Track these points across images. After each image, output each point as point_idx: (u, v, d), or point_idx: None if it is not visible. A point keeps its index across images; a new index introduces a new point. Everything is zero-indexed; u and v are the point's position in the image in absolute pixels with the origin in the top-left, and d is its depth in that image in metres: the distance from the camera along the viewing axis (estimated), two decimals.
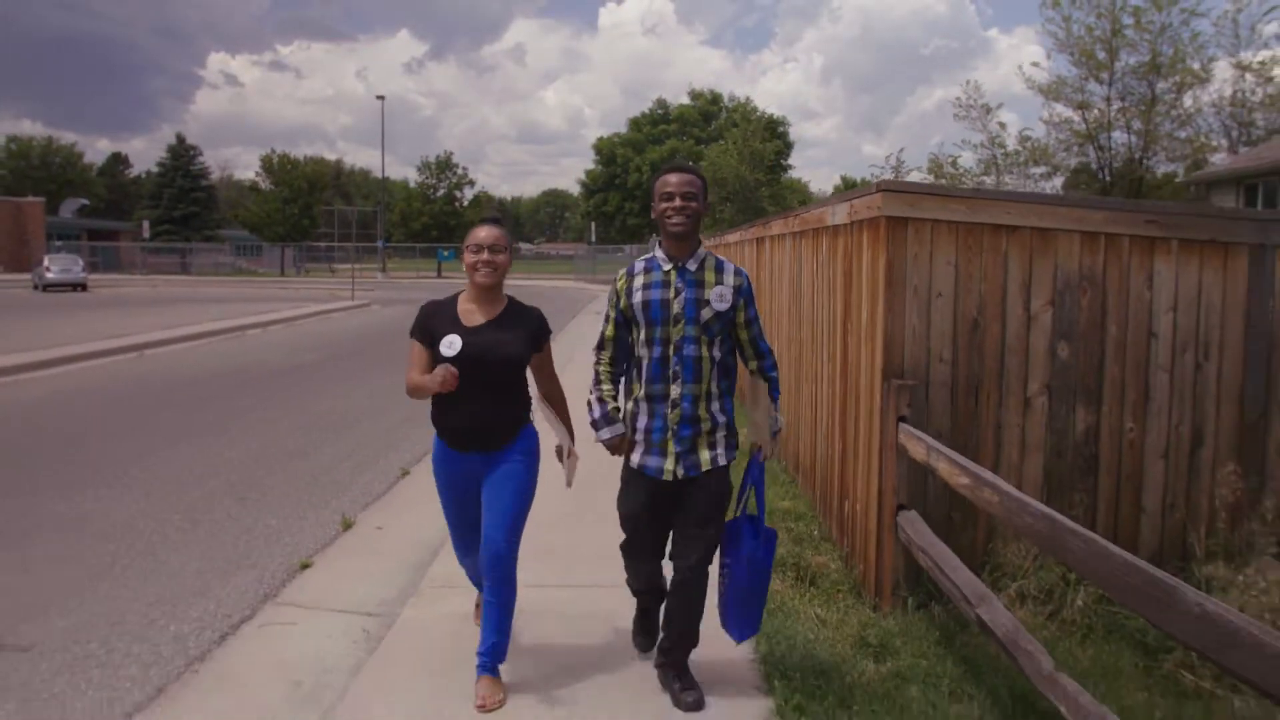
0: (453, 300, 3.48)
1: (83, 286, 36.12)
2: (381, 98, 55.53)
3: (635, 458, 3.31)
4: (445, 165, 66.61)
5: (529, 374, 3.50)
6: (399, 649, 3.83)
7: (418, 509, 5.74)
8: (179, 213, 63.57)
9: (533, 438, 3.48)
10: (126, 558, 5.08)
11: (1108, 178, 24.67)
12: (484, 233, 3.43)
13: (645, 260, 3.35)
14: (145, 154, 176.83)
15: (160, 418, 9.33)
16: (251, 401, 10.38)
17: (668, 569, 3.40)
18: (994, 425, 4.24)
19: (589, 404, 3.39)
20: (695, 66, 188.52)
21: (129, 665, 3.78)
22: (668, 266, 3.26)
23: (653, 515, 3.32)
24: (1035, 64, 27.86)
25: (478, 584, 3.76)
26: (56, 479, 6.73)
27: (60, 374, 12.50)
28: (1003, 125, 27.98)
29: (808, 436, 5.95)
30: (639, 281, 3.29)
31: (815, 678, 3.41)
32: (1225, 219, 4.30)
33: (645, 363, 3.28)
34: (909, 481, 4.04)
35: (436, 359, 3.33)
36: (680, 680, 3.32)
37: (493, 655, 3.39)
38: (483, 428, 3.37)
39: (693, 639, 3.37)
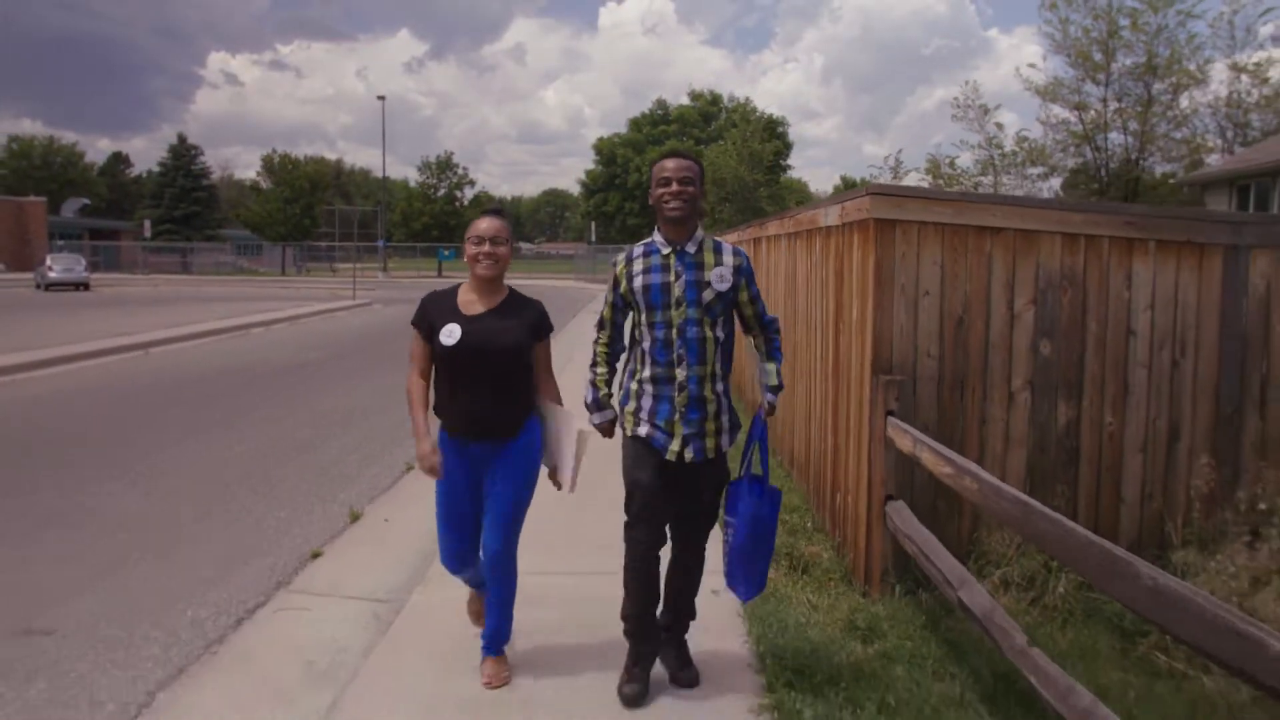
0: (453, 291, 3.51)
1: (85, 286, 36.30)
2: (382, 98, 55.73)
3: (642, 430, 3.32)
4: (446, 165, 66.72)
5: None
6: (408, 632, 4.00)
7: (423, 501, 5.87)
8: (180, 212, 63.77)
9: (536, 431, 3.53)
10: (142, 548, 5.25)
11: (1105, 178, 24.84)
12: (485, 224, 3.45)
13: (644, 245, 3.38)
14: (146, 153, 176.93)
15: (168, 415, 9.50)
16: (257, 399, 10.56)
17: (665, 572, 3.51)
18: (979, 419, 4.42)
19: (590, 383, 3.49)
20: (695, 66, 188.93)
21: (150, 647, 3.95)
22: (666, 250, 3.29)
23: (662, 485, 3.31)
24: (1032, 65, 28.08)
25: (472, 583, 3.79)
26: (69, 473, 6.90)
27: (68, 372, 12.67)
28: (1000, 126, 28.16)
29: (802, 431, 6.12)
30: (638, 266, 3.32)
31: (806, 657, 3.58)
32: (1200, 221, 4.47)
33: (648, 346, 3.30)
34: (897, 473, 4.21)
35: (437, 349, 3.41)
36: (677, 658, 3.50)
37: (496, 638, 3.56)
38: (484, 418, 3.39)
39: (691, 613, 3.55)
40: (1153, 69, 22.93)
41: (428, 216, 64.51)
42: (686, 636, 3.59)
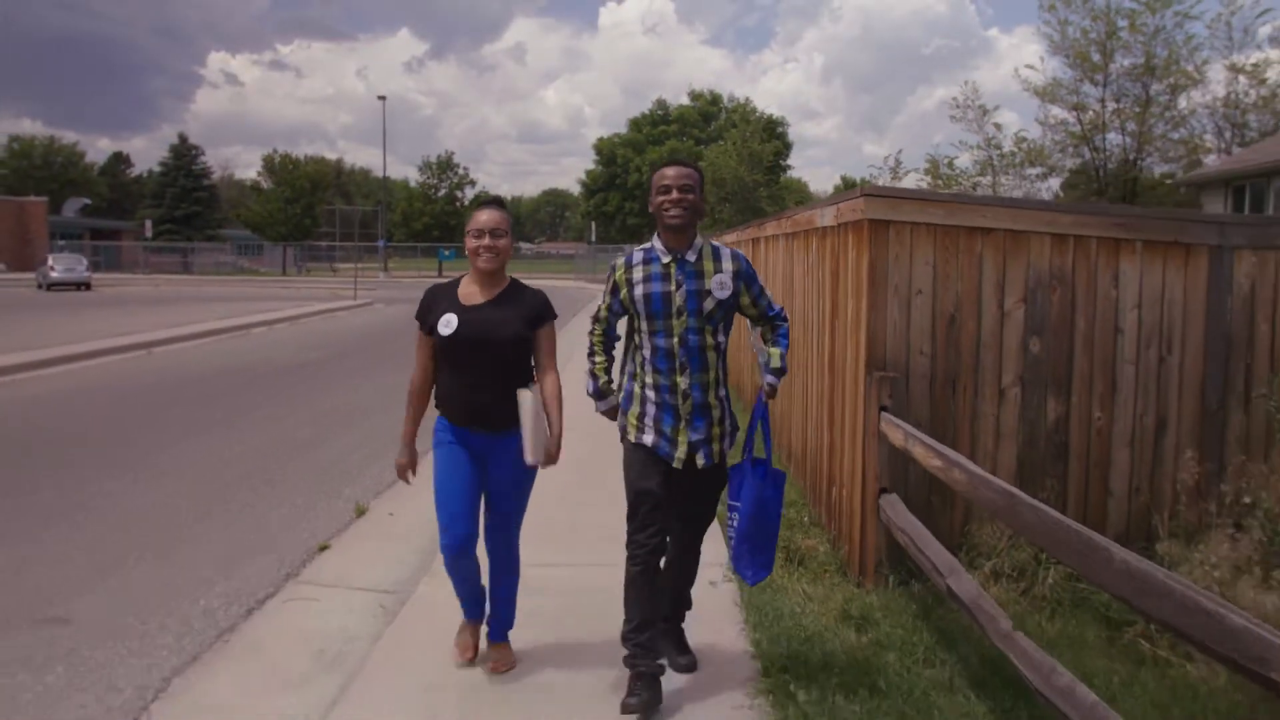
0: (455, 283, 3.54)
1: (87, 285, 36.43)
2: (383, 98, 55.86)
3: (647, 439, 3.33)
4: (446, 165, 66.94)
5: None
6: (415, 621, 4.12)
7: (427, 497, 5.92)
8: (181, 212, 64.01)
9: None
10: (152, 542, 5.37)
11: (1103, 178, 24.96)
12: (485, 216, 3.44)
13: (644, 250, 3.37)
14: (146, 153, 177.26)
15: (173, 413, 9.62)
16: (261, 397, 10.68)
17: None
18: (970, 415, 4.53)
19: (589, 372, 3.52)
20: (696, 66, 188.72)
21: (164, 635, 4.07)
22: (667, 259, 3.30)
23: (666, 491, 3.32)
24: (1030, 66, 28.14)
25: (469, 609, 3.69)
26: (77, 470, 7.01)
27: (73, 370, 12.79)
28: (998, 127, 28.25)
29: (799, 427, 6.24)
30: (638, 274, 3.32)
31: (800, 645, 3.70)
32: (1186, 221, 4.59)
33: (649, 354, 3.31)
34: (890, 467, 4.32)
35: (436, 340, 3.42)
36: (676, 646, 3.61)
37: (501, 624, 3.67)
38: (483, 407, 3.39)
39: (687, 603, 3.67)
40: (1151, 70, 23.06)
41: (428, 216, 64.69)
42: (684, 625, 3.70)
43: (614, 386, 3.52)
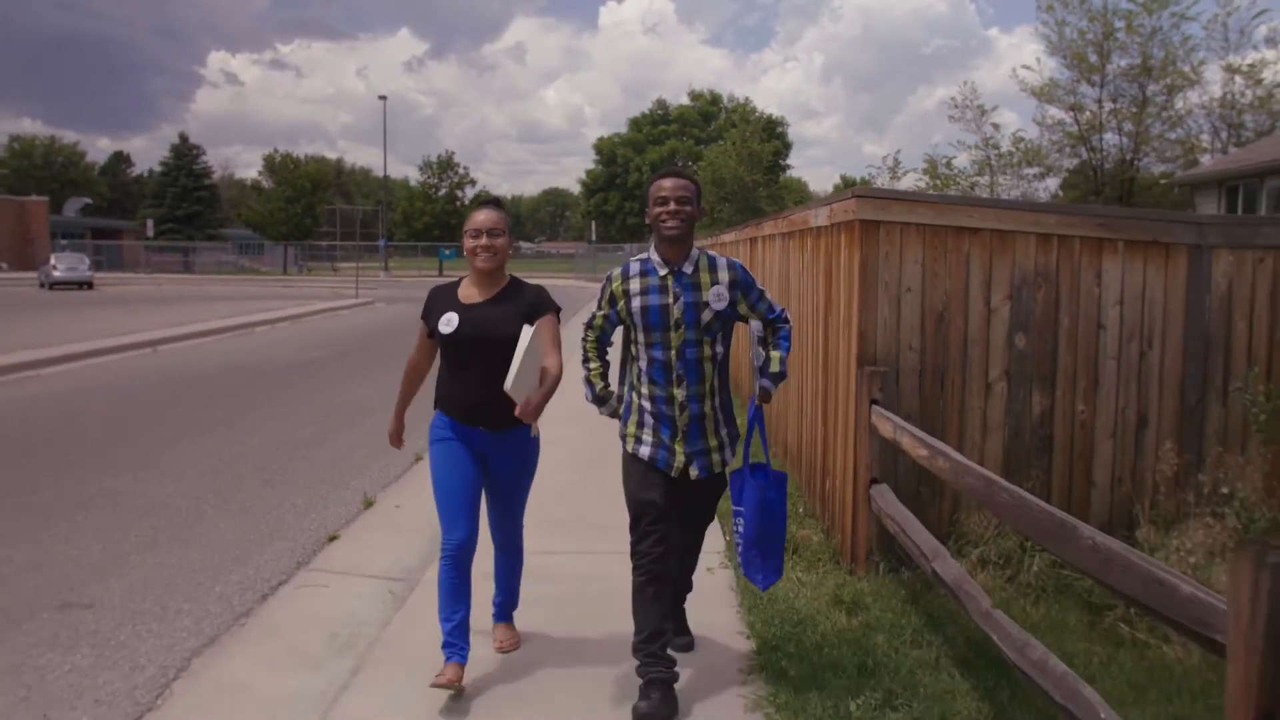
0: (457, 283, 3.61)
1: (89, 285, 36.62)
2: (384, 98, 56.20)
3: (644, 451, 3.35)
4: (447, 164, 67.09)
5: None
6: (423, 606, 4.27)
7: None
8: (182, 212, 64.23)
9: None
10: (167, 531, 5.54)
11: (1100, 178, 25.14)
12: (482, 216, 3.47)
13: (640, 262, 3.37)
14: (146, 153, 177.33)
15: (179, 410, 9.78)
16: (265, 395, 10.84)
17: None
18: (958, 408, 4.70)
19: (585, 380, 3.57)
20: (696, 66, 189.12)
21: (182, 619, 4.24)
22: (664, 271, 3.30)
23: (667, 501, 3.33)
24: (1027, 67, 28.26)
25: (454, 643, 3.46)
26: (89, 465, 7.18)
27: (79, 369, 12.96)
28: (996, 127, 28.38)
29: (795, 422, 6.41)
30: (635, 285, 3.32)
31: (793, 626, 3.87)
32: (1166, 222, 4.76)
33: (645, 365, 3.33)
34: (880, 458, 4.49)
35: (437, 339, 3.50)
36: (675, 627, 3.76)
37: (506, 606, 3.85)
38: (482, 404, 3.42)
39: (689, 587, 3.82)
40: (1147, 70, 23.26)
41: (429, 216, 64.84)
42: (684, 607, 3.85)
43: (612, 390, 3.56)
